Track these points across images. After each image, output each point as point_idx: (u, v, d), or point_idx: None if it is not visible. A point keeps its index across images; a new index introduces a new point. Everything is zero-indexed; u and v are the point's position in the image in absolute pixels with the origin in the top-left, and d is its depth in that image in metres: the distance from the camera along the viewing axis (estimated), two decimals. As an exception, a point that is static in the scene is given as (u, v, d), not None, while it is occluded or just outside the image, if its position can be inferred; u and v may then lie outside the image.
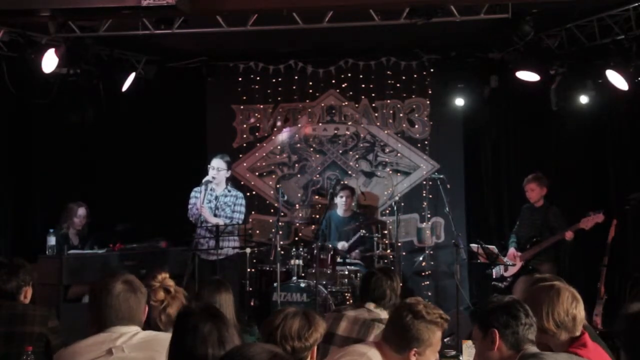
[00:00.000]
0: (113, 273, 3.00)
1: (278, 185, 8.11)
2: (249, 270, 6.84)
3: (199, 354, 2.32)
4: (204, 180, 6.46)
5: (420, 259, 7.89)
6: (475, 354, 2.86)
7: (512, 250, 6.94)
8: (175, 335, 2.45)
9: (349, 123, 8.21)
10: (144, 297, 2.90)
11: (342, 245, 7.37)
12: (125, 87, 7.26)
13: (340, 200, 7.53)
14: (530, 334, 2.73)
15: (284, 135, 8.27)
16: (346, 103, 8.20)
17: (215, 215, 6.56)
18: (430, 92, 8.08)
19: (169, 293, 3.10)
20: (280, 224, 7.18)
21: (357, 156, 8.21)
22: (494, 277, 6.94)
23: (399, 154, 8.13)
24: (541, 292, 3.09)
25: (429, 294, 7.79)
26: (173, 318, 3.02)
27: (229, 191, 6.72)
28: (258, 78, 8.23)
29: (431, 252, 7.97)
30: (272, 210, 8.12)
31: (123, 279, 2.87)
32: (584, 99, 7.03)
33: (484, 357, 2.77)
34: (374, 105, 8.17)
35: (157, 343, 2.77)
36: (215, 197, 6.64)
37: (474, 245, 6.72)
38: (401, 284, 4.02)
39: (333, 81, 8.17)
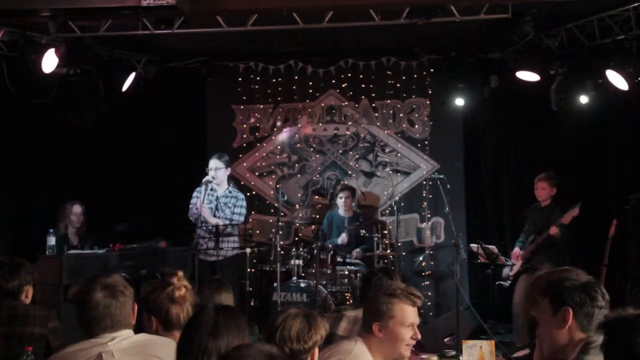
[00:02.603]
0: (92, 278, 2.80)
1: (278, 185, 8.10)
2: (249, 270, 6.81)
3: (194, 342, 2.31)
4: (204, 180, 6.47)
5: (420, 259, 7.89)
6: (542, 330, 2.65)
7: (516, 249, 6.96)
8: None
9: (349, 123, 8.20)
10: (130, 298, 2.78)
11: (342, 238, 7.38)
12: (125, 87, 7.27)
13: (340, 201, 7.53)
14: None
15: (284, 135, 8.27)
16: (346, 103, 8.20)
17: (215, 216, 6.56)
18: (430, 92, 8.07)
19: (187, 290, 3.12)
20: (280, 224, 7.17)
21: (357, 156, 8.20)
22: (502, 276, 6.94)
23: (399, 154, 8.12)
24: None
25: (429, 294, 7.78)
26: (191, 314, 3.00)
27: (230, 192, 6.72)
28: (258, 78, 8.22)
29: (431, 252, 7.97)
30: (272, 210, 8.11)
31: (101, 285, 2.72)
32: (584, 99, 7.03)
33: (551, 335, 2.58)
34: (374, 105, 8.16)
35: (152, 348, 2.73)
36: (216, 197, 6.65)
37: (474, 245, 6.72)
38: (401, 284, 4.02)
39: (333, 81, 8.16)
